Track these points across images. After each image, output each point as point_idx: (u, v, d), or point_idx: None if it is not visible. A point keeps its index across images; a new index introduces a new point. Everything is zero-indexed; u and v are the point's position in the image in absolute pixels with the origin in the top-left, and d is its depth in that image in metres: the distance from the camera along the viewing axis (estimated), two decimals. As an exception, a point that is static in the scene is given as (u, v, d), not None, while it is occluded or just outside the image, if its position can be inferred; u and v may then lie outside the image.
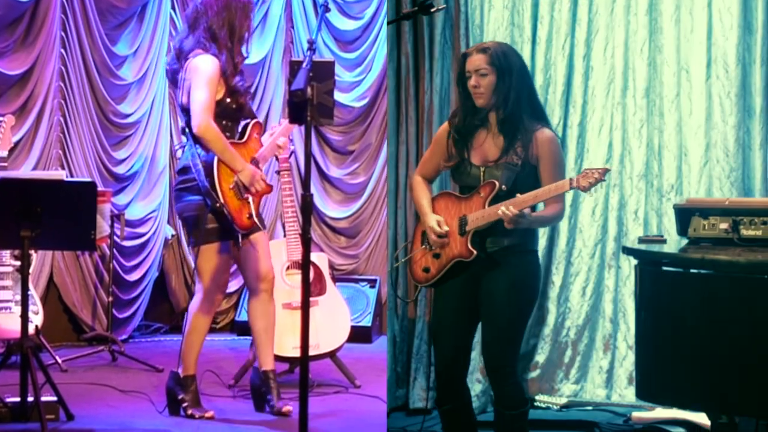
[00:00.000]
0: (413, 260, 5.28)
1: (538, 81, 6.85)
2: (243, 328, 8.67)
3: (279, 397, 6.16)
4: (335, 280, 7.59)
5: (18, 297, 6.74)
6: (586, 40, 6.90)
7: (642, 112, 6.85)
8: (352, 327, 7.24)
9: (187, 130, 6.07)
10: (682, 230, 5.24)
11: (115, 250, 8.20)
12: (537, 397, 6.90)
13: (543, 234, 6.78)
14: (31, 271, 6.51)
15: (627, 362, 6.82)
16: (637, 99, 6.85)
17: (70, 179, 7.18)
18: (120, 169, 8.59)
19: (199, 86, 5.94)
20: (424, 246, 5.23)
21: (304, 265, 4.35)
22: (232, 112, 6.06)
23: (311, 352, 5.88)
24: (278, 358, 6.47)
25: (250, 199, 6.01)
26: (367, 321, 8.76)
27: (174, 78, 6.19)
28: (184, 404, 6.16)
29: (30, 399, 5.74)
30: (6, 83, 7.86)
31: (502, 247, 5.07)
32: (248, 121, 6.18)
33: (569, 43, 6.89)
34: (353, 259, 9.52)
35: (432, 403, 5.65)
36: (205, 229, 5.99)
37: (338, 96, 8.94)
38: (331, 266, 8.39)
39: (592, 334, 6.94)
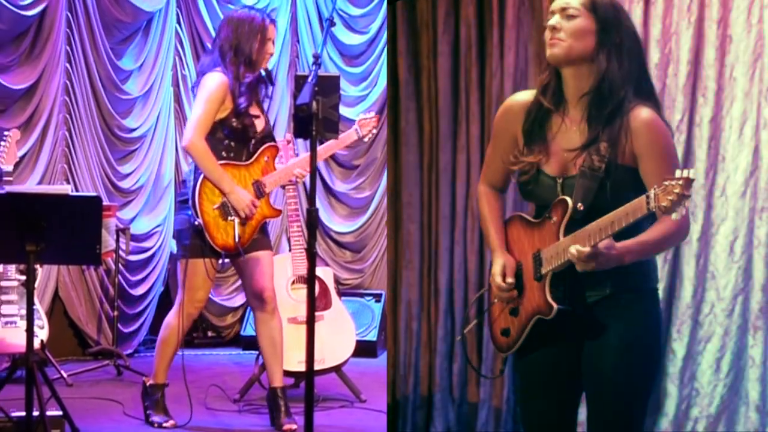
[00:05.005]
0: (491, 318, 3.79)
1: (653, 58, 5.11)
2: (248, 343, 8.66)
3: (287, 414, 6.15)
4: (340, 294, 7.58)
5: (23, 311, 6.73)
6: (722, -3, 4.97)
7: (802, 102, 4.91)
8: (358, 341, 7.21)
9: None
10: None
11: (120, 265, 8.20)
12: None
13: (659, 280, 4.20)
14: (36, 285, 6.50)
15: (782, 469, 4.98)
16: (795, 83, 4.92)
17: (75, 194, 7.18)
18: (125, 184, 8.59)
19: (198, 102, 5.99)
20: (497, 293, 3.75)
21: (310, 279, 4.35)
22: (238, 132, 6.04)
23: (316, 367, 5.89)
24: (284, 373, 6.45)
25: (237, 221, 6.00)
26: (372, 335, 8.74)
27: None
28: (148, 411, 6.24)
29: (35, 413, 5.72)
30: (11, 97, 7.85)
31: (606, 295, 3.58)
32: (264, 145, 6.16)
33: (697, 1, 5.07)
34: (358, 273, 9.51)
35: None
36: (189, 245, 6.02)
37: (343, 110, 8.94)
38: (337, 281, 8.38)
39: (730, 427, 5.03)
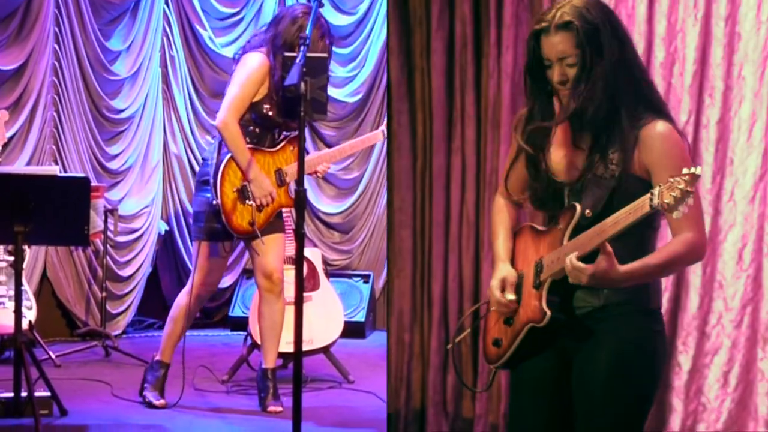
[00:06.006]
0: (486, 327, 3.64)
1: (657, 57, 4.87)
2: (236, 324, 8.67)
3: (275, 396, 6.16)
4: (329, 275, 7.59)
5: (11, 292, 6.73)
6: (730, -8, 4.72)
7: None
8: (346, 322, 7.22)
9: None
10: None
11: (108, 246, 8.20)
12: None
13: (663, 287, 3.82)
14: (24, 266, 6.51)
15: (794, 491, 4.66)
16: (807, 83, 4.63)
17: (63, 174, 7.17)
18: (113, 165, 8.58)
19: (236, 81, 5.94)
20: (495, 307, 3.57)
21: (298, 260, 4.36)
22: (266, 119, 5.99)
23: (305, 348, 5.88)
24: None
25: (253, 206, 5.98)
26: (360, 316, 8.76)
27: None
28: (145, 384, 6.24)
29: (23, 394, 5.73)
30: (-1, 78, 7.86)
31: (597, 306, 3.40)
32: (290, 133, 6.15)
33: (703, -3, 4.73)
34: (347, 254, 9.51)
35: None
36: (204, 227, 6.02)
37: (332, 91, 8.93)
38: (325, 261, 8.39)
39: (739, 445, 4.73)
